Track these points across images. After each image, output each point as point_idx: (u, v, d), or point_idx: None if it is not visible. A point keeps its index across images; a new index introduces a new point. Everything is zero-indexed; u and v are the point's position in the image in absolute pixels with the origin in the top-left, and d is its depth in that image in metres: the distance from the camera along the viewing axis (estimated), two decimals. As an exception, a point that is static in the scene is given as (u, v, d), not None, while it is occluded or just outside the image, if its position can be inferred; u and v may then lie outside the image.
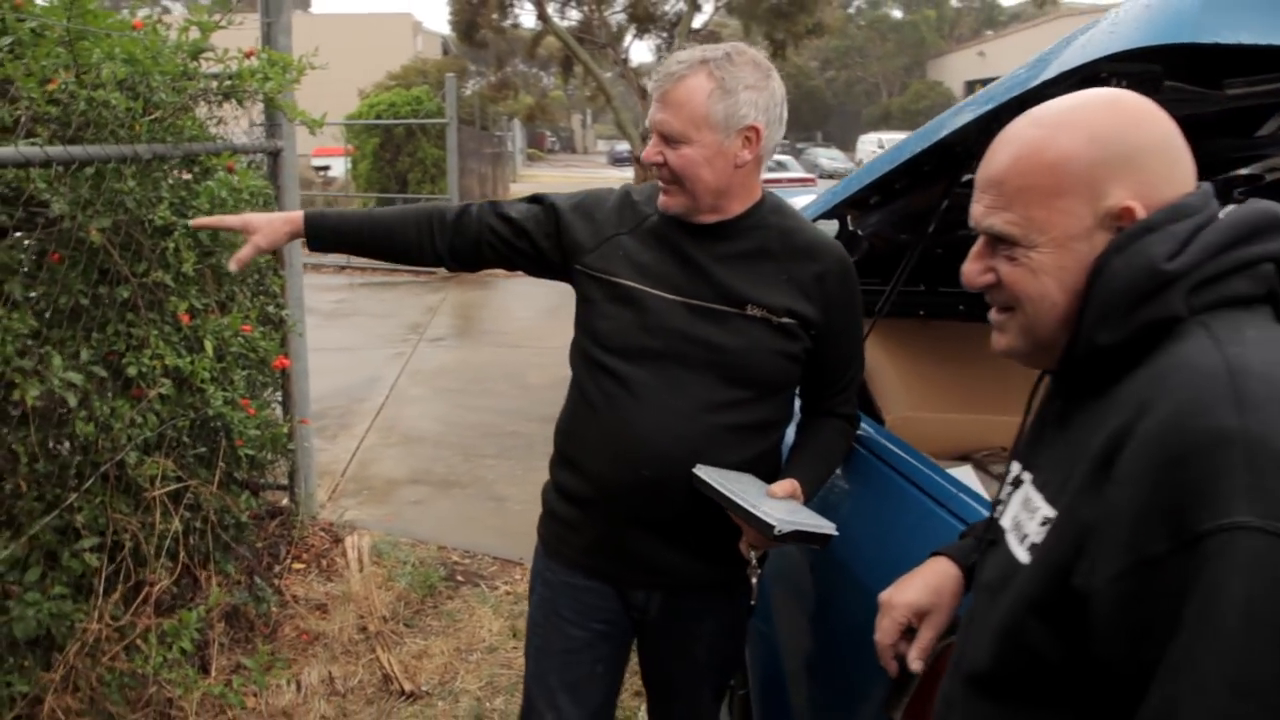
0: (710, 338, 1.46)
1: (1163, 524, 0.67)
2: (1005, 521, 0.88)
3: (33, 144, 1.84)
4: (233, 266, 1.61)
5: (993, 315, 0.89)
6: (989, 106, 1.39)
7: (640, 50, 46.67)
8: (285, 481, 3.53)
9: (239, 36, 2.68)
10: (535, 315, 8.38)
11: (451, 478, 4.47)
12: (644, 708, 2.04)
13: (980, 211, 0.84)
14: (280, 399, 3.38)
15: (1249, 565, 0.63)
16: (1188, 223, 0.77)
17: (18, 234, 2.05)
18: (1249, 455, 0.65)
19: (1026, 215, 0.81)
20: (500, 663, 2.81)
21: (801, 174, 19.61)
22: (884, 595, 1.11)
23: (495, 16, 21.76)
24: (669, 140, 1.41)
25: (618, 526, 1.54)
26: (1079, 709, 0.75)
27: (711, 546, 1.52)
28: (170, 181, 2.37)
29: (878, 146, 28.14)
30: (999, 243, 0.84)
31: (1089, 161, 0.79)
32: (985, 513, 1.18)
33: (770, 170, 19.68)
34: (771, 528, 1.31)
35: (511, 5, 21.12)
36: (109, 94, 2.02)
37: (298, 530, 3.41)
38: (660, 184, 1.48)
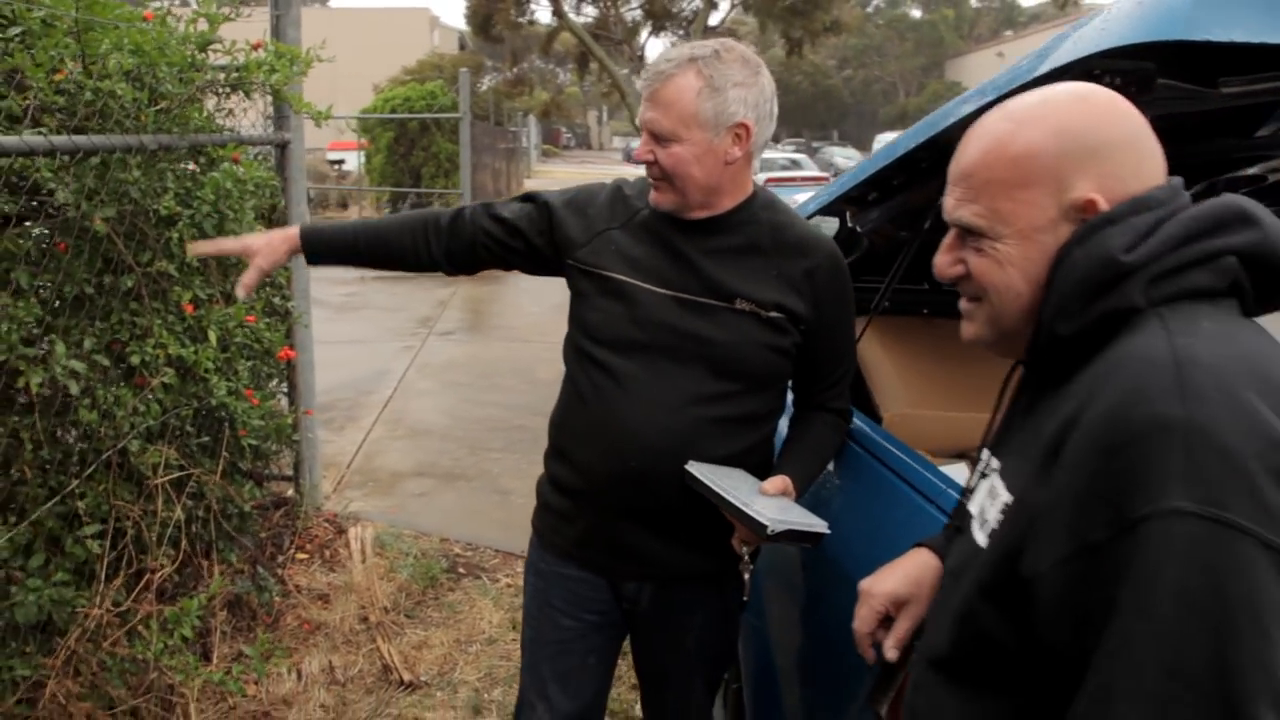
0: (699, 331, 1.47)
1: (1103, 510, 0.67)
2: (973, 508, 0.90)
3: (38, 133, 1.86)
4: (240, 293, 1.61)
5: (962, 305, 0.90)
6: (984, 101, 1.39)
7: (656, 47, 46.62)
8: (290, 472, 3.55)
9: (251, 29, 2.70)
10: (545, 310, 8.40)
11: (457, 471, 4.49)
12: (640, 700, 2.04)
13: (951, 204, 0.85)
14: (286, 390, 3.40)
15: (1183, 550, 0.64)
16: (1149, 215, 0.77)
17: (25, 223, 2.07)
18: (1188, 443, 0.65)
19: (992, 207, 0.82)
20: (499, 654, 2.83)
21: (816, 173, 19.55)
22: (863, 584, 1.12)
23: (512, 12, 21.81)
24: (659, 139, 1.42)
25: (608, 518, 1.55)
26: (1030, 694, 0.75)
27: (702, 539, 1.52)
28: (176, 172, 2.39)
29: (893, 146, 27.93)
30: (968, 234, 0.85)
31: (1054, 154, 0.80)
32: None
33: (784, 169, 19.68)
34: (764, 527, 1.31)
35: (528, 1, 21.15)
36: (115, 84, 2.04)
37: (302, 521, 3.43)
38: (651, 181, 1.49)
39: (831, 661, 1.60)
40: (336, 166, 17.13)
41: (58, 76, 1.98)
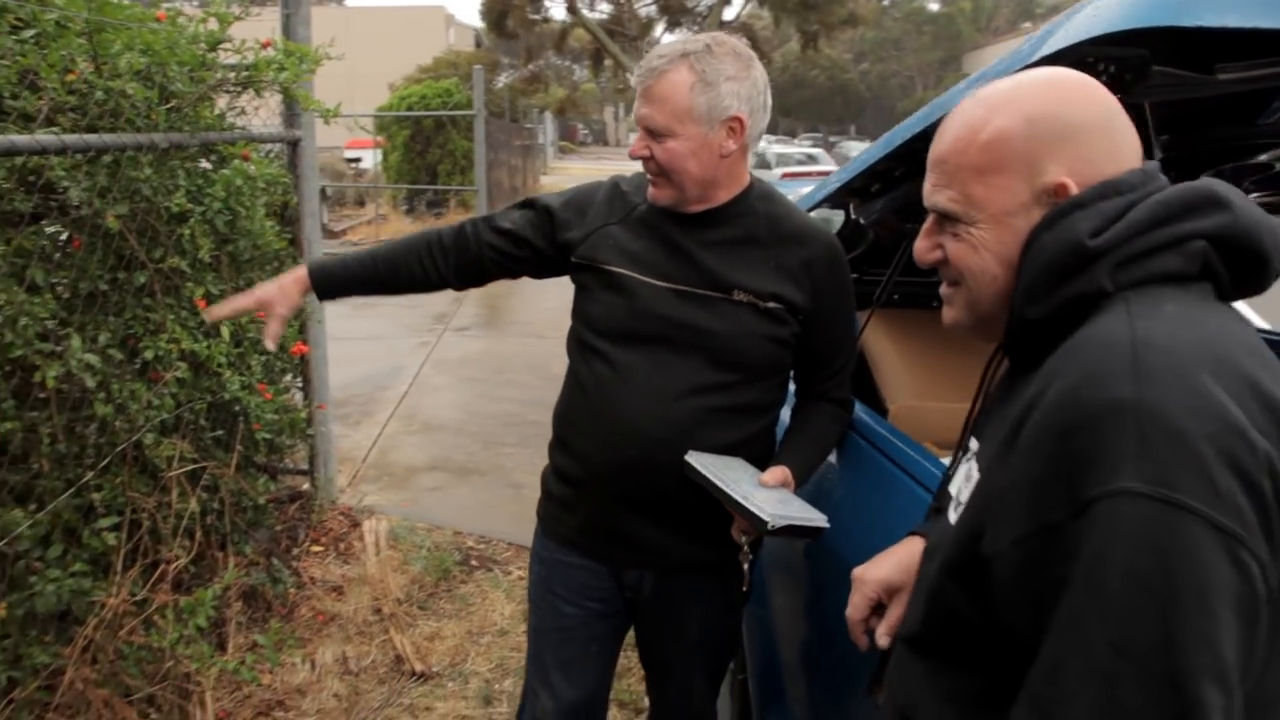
0: (697, 322, 1.48)
1: (1059, 491, 0.68)
2: (953, 489, 0.90)
3: (51, 133, 1.90)
4: (270, 345, 1.64)
5: (943, 289, 0.91)
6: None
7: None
8: (306, 466, 3.60)
9: (261, 29, 2.74)
10: (561, 306, 8.32)
11: (470, 465, 4.52)
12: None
13: (928, 189, 0.86)
14: (300, 385, 3.44)
15: (1133, 530, 0.64)
16: (1119, 200, 0.78)
17: (41, 221, 2.11)
18: (1139, 424, 0.65)
19: (966, 193, 0.83)
20: (511, 646, 2.85)
21: (832, 167, 19.45)
22: (856, 571, 1.13)
23: (527, 9, 21.84)
24: (654, 134, 1.44)
25: (608, 507, 1.57)
26: (995, 670, 0.76)
27: (702, 529, 1.54)
28: (187, 169, 2.42)
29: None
30: (945, 220, 0.86)
31: (1024, 139, 0.80)
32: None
33: (800, 164, 19.59)
34: (765, 523, 1.32)
35: (542, -1, 21.19)
36: (126, 83, 2.07)
37: (316, 514, 3.47)
38: (648, 176, 1.50)
39: (834, 652, 1.60)
40: (354, 165, 17.24)
41: (70, 77, 2.02)
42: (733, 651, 1.81)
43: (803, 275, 1.50)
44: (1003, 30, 53.96)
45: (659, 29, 22.49)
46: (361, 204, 15.33)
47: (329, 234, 12.53)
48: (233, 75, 2.57)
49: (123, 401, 2.15)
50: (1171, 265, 0.76)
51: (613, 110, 65.04)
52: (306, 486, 3.59)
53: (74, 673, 2.06)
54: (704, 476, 1.41)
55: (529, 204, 1.67)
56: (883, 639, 1.08)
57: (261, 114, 2.88)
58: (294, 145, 3.23)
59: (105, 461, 2.15)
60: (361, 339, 6.88)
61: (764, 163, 19.99)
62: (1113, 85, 1.21)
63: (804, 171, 17.52)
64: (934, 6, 56.90)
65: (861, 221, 2.02)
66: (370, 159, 15.46)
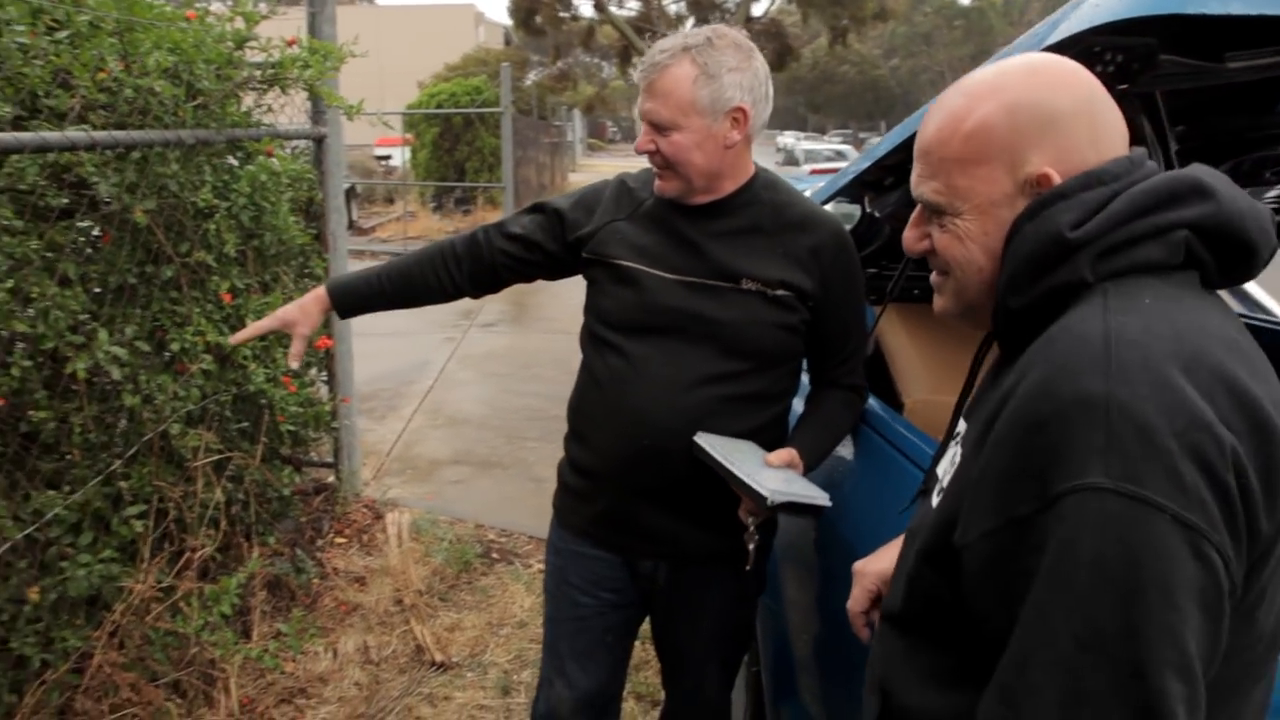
0: (707, 312, 1.50)
1: (1028, 485, 0.69)
2: (940, 471, 0.91)
3: (81, 130, 1.95)
4: (293, 364, 1.70)
5: (933, 279, 0.91)
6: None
7: (700, 39, 45.98)
8: (331, 459, 3.65)
9: (288, 27, 2.78)
10: (586, 302, 8.43)
11: (493, 459, 4.56)
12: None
13: (914, 180, 0.86)
14: (325, 378, 3.49)
15: (1099, 524, 0.65)
16: (1102, 190, 0.77)
17: (72, 216, 2.17)
18: (1108, 420, 0.66)
19: (950, 184, 0.83)
20: (530, 637, 2.88)
21: (861, 163, 19.29)
22: (857, 565, 1.14)
23: (556, 6, 21.89)
24: (659, 128, 1.46)
25: (623, 497, 1.59)
26: (970, 651, 0.77)
27: (716, 518, 1.55)
28: (214, 165, 2.47)
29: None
30: (932, 211, 0.86)
31: (1007, 130, 0.80)
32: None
33: (828, 160, 19.49)
34: (764, 498, 1.33)
35: (570, -5, 21.22)
36: (154, 81, 2.12)
37: (341, 506, 3.52)
38: (655, 170, 1.52)
39: (847, 645, 1.61)
40: (383, 162, 17.41)
41: (100, 75, 2.07)
42: (747, 643, 1.81)
43: (810, 262, 1.51)
44: (1035, 24, 53.20)
45: (688, 26, 22.46)
46: (391, 201, 15.48)
47: (358, 230, 12.67)
48: (259, 73, 2.62)
49: (150, 392, 2.20)
50: (1153, 255, 0.75)
51: (641, 107, 64.97)
52: (331, 479, 3.65)
53: (102, 656, 2.12)
54: (710, 456, 1.42)
55: (539, 208, 1.69)
56: None
57: (288, 111, 2.93)
58: (319, 142, 3.28)
59: (133, 451, 2.20)
60: (388, 334, 6.94)
61: (792, 159, 19.89)
62: (1120, 74, 1.21)
63: (832, 168, 17.41)
64: (965, 1, 56.24)
65: (877, 215, 2.01)
66: (399, 156, 15.60)
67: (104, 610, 2.15)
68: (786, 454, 1.48)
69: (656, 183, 1.53)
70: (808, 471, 1.51)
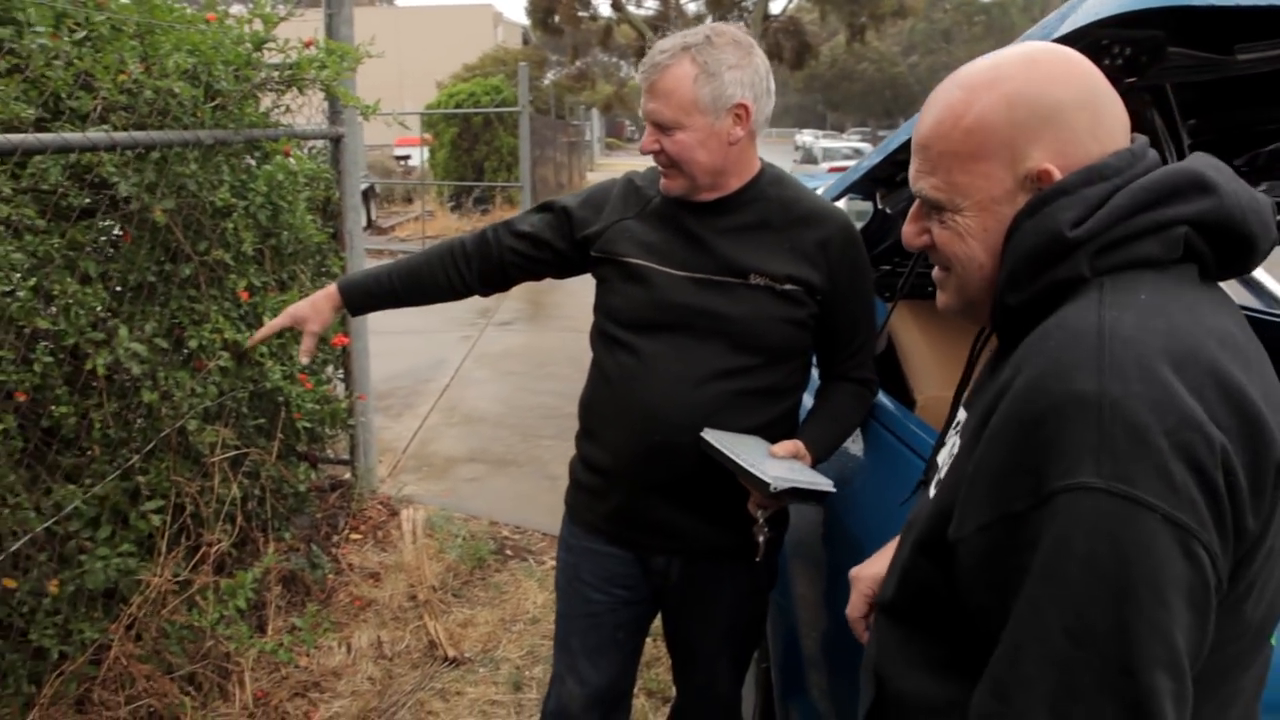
0: (716, 308, 1.51)
1: (1023, 481, 0.69)
2: (940, 460, 0.92)
3: (101, 130, 1.98)
4: (304, 359, 1.73)
5: (935, 274, 0.91)
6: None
7: (718, 38, 45.85)
8: (347, 456, 3.68)
9: (306, 30, 2.81)
10: (602, 302, 8.44)
11: (508, 457, 4.58)
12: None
13: (913, 175, 0.86)
14: (341, 376, 3.52)
15: (1091, 523, 0.65)
16: (1103, 185, 0.76)
17: (93, 216, 2.20)
18: (1100, 418, 0.66)
19: (949, 180, 0.82)
20: (542, 634, 2.89)
21: (879, 162, 19.16)
22: (853, 571, 1.14)
23: (573, 6, 21.91)
24: (663, 128, 1.47)
25: (635, 493, 1.60)
26: (963, 641, 0.77)
27: (728, 513, 1.55)
28: (232, 165, 2.50)
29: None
30: (931, 206, 0.85)
31: (1006, 125, 0.79)
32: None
33: (846, 158, 19.38)
34: (768, 486, 1.34)
35: (588, -6, 21.24)
36: (173, 82, 2.15)
37: (356, 502, 3.55)
38: (660, 169, 1.53)
39: (855, 642, 1.61)
40: (402, 162, 17.52)
41: (121, 77, 2.10)
42: (758, 639, 1.82)
43: (818, 256, 1.52)
44: (1058, 21, 52.64)
45: (707, 24, 22.42)
46: (410, 200, 15.57)
47: (377, 230, 12.75)
48: (276, 74, 2.64)
49: (168, 389, 2.23)
50: (1151, 251, 0.75)
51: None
52: (347, 476, 3.68)
53: (119, 648, 2.15)
54: (716, 449, 1.43)
55: (547, 207, 1.71)
56: None
57: (306, 112, 2.96)
58: (336, 141, 3.31)
59: (151, 446, 2.23)
60: (405, 333, 6.99)
61: (811, 158, 19.82)
62: (1128, 67, 1.20)
63: (850, 166, 17.34)
64: (987, -3, 55.77)
65: (888, 212, 2.01)
66: (418, 156, 15.69)
67: (121, 603, 2.18)
68: (791, 445, 1.49)
69: (662, 181, 1.54)
70: (816, 464, 1.52)
